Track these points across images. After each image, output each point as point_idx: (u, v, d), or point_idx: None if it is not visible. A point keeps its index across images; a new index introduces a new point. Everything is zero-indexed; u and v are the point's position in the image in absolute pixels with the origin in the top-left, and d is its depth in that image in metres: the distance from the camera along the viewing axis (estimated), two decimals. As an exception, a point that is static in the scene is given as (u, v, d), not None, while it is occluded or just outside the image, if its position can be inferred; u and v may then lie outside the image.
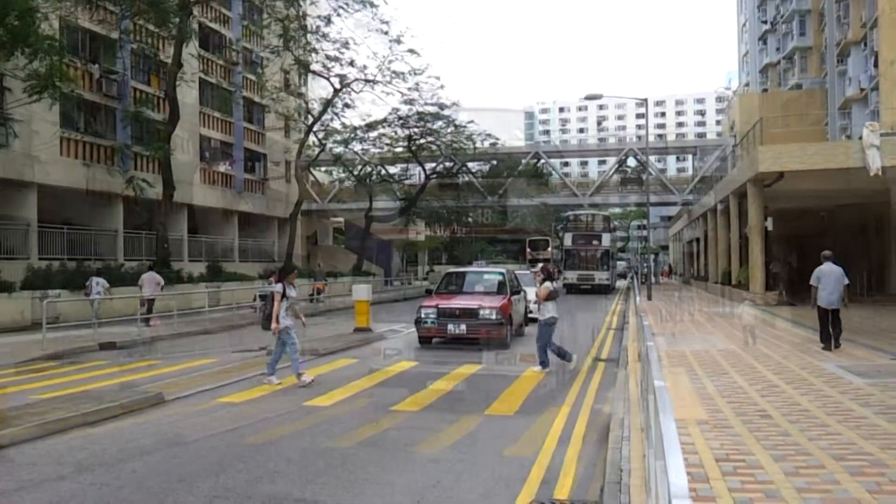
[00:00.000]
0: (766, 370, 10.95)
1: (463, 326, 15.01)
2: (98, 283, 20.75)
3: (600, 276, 41.68)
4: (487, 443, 7.52)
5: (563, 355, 12.42)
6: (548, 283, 12.55)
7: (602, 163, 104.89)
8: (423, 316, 15.56)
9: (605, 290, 41.18)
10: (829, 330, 12.97)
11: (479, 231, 72.94)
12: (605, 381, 11.30)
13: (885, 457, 6.09)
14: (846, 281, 12.98)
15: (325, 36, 36.16)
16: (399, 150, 44.62)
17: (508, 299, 15.93)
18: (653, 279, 43.38)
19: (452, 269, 22.23)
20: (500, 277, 17.18)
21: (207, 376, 12.03)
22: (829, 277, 12.90)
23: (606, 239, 42.91)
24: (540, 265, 15.73)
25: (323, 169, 52.72)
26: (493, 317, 14.95)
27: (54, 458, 7.00)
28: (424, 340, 15.89)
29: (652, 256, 56.08)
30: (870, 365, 11.28)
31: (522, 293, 18.04)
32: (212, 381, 11.37)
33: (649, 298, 31.11)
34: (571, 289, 40.78)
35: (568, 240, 43.62)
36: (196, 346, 17.25)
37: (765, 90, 60.29)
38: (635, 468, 6.05)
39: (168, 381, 11.44)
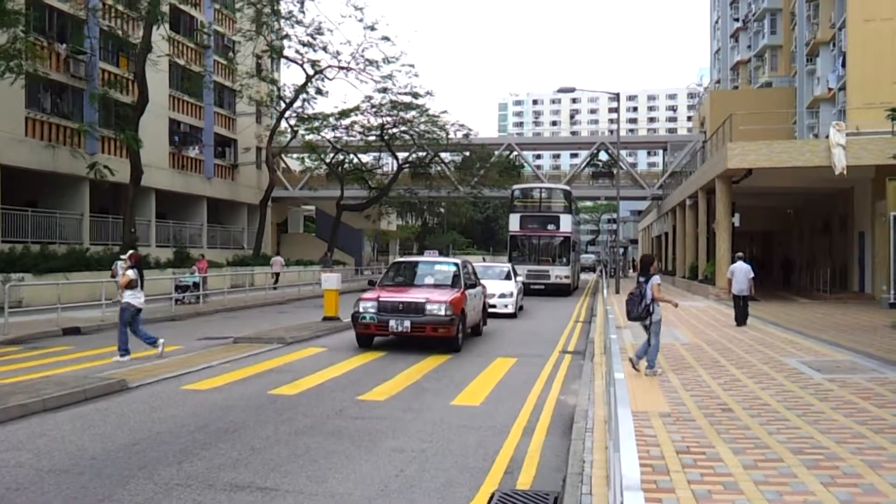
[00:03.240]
0: (729, 364, 11.12)
1: (407, 323, 13.04)
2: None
3: (557, 273, 32.16)
4: (453, 433, 7.55)
5: (151, 341, 12.60)
6: (129, 272, 12.45)
7: (574, 156, 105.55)
8: (360, 310, 13.46)
9: (564, 290, 32.42)
10: (740, 311, 17.05)
11: (451, 222, 73.03)
12: (571, 373, 11.39)
13: (840, 451, 6.22)
14: (752, 275, 17.05)
15: (298, 21, 35.87)
16: (372, 138, 44.37)
17: (462, 293, 14.09)
18: (622, 273, 43.43)
19: (400, 259, 19.85)
20: (454, 269, 15.26)
21: (172, 363, 11.92)
22: (740, 272, 17.00)
23: (566, 222, 33.34)
24: (130, 252, 13.84)
25: (294, 156, 52.38)
26: (442, 313, 13.05)
27: (13, 445, 6.89)
28: (363, 339, 13.90)
29: (621, 250, 56.58)
30: (829, 361, 11.50)
31: (480, 287, 16.42)
32: (176, 368, 11.27)
33: (617, 292, 31.38)
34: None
35: (514, 222, 33.82)
36: (161, 332, 17.06)
37: (736, 87, 61.00)
38: (598, 459, 6.11)
39: (132, 368, 11.32)
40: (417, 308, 13.21)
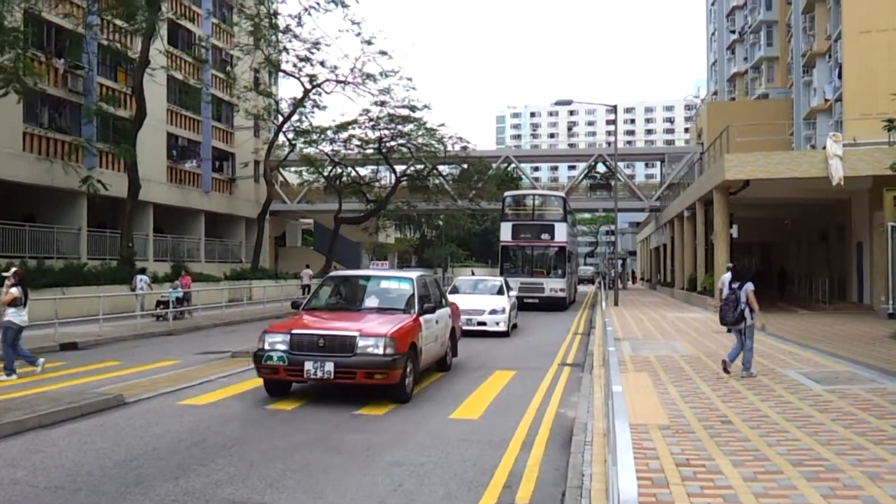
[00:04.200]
0: (729, 376, 11.08)
1: (329, 366, 9.28)
2: (142, 280, 23.44)
3: (552, 286, 30.05)
4: (451, 447, 7.51)
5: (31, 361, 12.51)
6: (13, 290, 12.24)
7: (572, 168, 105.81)
8: (265, 347, 9.71)
9: (560, 304, 30.16)
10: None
11: (449, 234, 73.04)
12: (570, 386, 11.35)
13: (840, 462, 6.19)
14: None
15: (296, 36, 36.00)
16: (370, 151, 44.45)
17: (415, 321, 10.51)
18: (620, 284, 43.38)
19: (335, 273, 14.82)
20: (407, 287, 11.50)
21: (169, 378, 11.86)
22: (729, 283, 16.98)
23: (561, 230, 31.17)
24: (13, 269, 12.77)
25: (292, 169, 52.45)
26: (381, 351, 9.33)
27: (8, 461, 6.85)
28: (273, 387, 10.11)
29: (620, 262, 56.60)
30: (828, 372, 11.48)
31: (446, 310, 12.83)
32: (174, 384, 11.21)
33: (616, 304, 31.36)
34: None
35: (506, 231, 31.65)
36: (159, 347, 17.02)
37: (732, 99, 61.23)
38: (597, 473, 6.08)
39: (129, 383, 11.27)
40: (345, 344, 9.47)
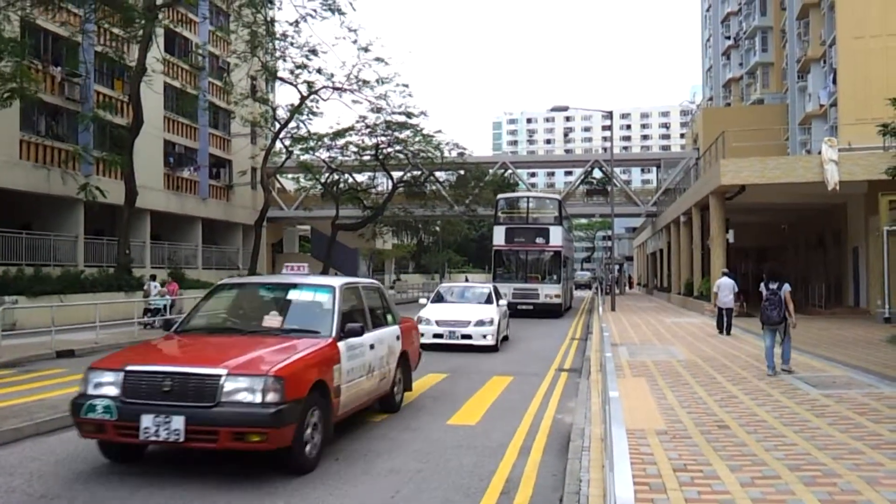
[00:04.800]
0: (726, 381, 11.11)
1: (178, 423, 6.17)
2: (155, 286, 23.91)
3: (547, 292, 29.17)
4: (449, 453, 7.51)
5: None
6: None
7: (568, 173, 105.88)
8: (87, 391, 6.65)
9: (555, 311, 29.25)
10: (723, 321, 19.01)
11: (446, 240, 73.14)
12: (568, 391, 11.36)
13: (837, 467, 6.21)
14: (736, 289, 19.42)
15: (292, 43, 36.04)
16: (366, 158, 44.49)
17: (330, 347, 7.48)
18: (617, 290, 43.38)
19: (229, 279, 10.89)
20: (324, 299, 8.28)
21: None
22: (725, 287, 19.12)
23: (557, 234, 30.21)
24: None
25: (290, 176, 52.42)
26: (257, 398, 6.31)
27: (5, 469, 6.83)
28: (109, 450, 6.95)
29: (616, 267, 56.62)
30: (825, 376, 11.50)
31: (391, 330, 9.54)
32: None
33: (613, 309, 31.38)
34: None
35: (499, 235, 30.54)
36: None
37: (728, 104, 61.40)
38: (595, 478, 6.08)
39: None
40: (202, 388, 6.33)
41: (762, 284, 12.01)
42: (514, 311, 23.96)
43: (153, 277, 24.67)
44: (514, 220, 31.11)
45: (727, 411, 8.72)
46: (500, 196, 34.45)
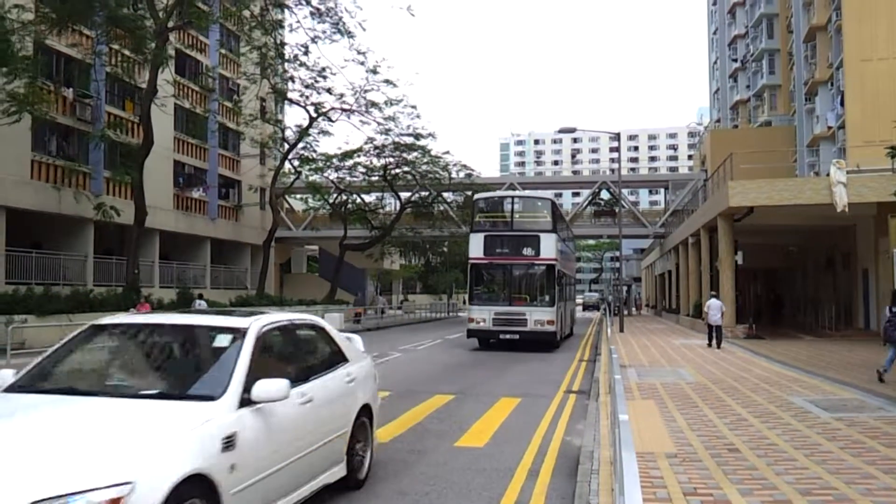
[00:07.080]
0: (735, 403, 11.03)
1: None
2: (201, 305, 24.49)
3: (537, 317, 22.77)
4: (456, 475, 7.47)
5: None
6: None
7: (576, 195, 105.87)
8: None
9: (547, 342, 22.97)
10: (713, 336, 21.95)
11: (453, 261, 73.06)
12: (576, 414, 11.29)
13: (849, 492, 6.14)
14: (724, 309, 22.51)
15: (302, 64, 36.36)
16: (374, 179, 44.68)
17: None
18: (625, 311, 43.20)
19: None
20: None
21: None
22: (714, 307, 22.00)
23: (549, 243, 23.48)
24: None
25: (298, 196, 52.58)
26: None
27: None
28: None
29: (625, 288, 56.48)
30: (836, 399, 11.40)
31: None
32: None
33: (621, 330, 31.25)
34: (484, 342, 23.61)
35: (476, 245, 23.89)
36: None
37: (735, 126, 61.51)
38: (604, 502, 6.04)
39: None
40: None
41: (888, 308, 13.70)
42: (496, 343, 21.95)
43: (200, 296, 25.04)
44: (497, 227, 24.42)
45: (737, 434, 8.65)
46: (477, 196, 27.74)
